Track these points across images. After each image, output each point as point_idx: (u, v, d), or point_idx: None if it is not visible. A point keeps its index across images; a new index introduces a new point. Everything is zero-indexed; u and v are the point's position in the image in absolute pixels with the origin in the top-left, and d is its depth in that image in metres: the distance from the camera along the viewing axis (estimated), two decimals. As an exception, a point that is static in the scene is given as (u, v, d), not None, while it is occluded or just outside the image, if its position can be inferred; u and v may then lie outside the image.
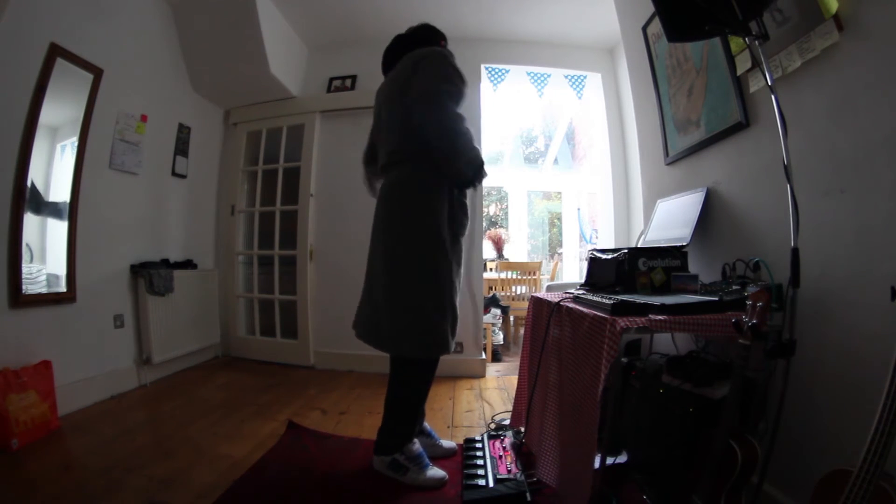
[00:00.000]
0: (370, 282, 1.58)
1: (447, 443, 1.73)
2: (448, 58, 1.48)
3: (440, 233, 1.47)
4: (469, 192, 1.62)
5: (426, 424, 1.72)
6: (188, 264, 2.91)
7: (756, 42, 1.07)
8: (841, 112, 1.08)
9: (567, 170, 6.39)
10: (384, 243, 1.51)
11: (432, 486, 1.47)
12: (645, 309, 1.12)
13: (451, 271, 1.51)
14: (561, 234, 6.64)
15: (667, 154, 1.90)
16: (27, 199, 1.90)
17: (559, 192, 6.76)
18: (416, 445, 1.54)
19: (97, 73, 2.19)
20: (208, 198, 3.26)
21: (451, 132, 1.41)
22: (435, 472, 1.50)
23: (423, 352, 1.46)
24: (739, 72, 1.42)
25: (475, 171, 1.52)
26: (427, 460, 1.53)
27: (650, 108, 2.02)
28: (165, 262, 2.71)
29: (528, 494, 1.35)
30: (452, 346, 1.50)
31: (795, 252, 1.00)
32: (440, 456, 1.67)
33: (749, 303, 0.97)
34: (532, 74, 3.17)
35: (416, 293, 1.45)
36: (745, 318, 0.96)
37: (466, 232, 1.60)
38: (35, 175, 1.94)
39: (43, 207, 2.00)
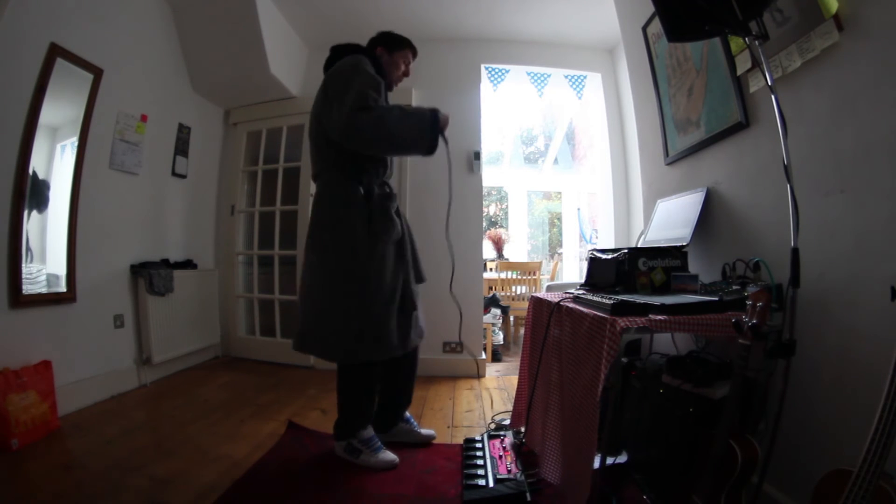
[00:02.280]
0: (302, 292, 1.64)
1: (426, 431, 1.82)
2: (354, 65, 1.49)
3: (354, 242, 1.51)
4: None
5: (407, 413, 1.83)
6: (188, 264, 2.90)
7: (756, 42, 1.07)
8: (841, 112, 1.08)
9: (567, 170, 6.39)
10: (308, 251, 1.60)
11: (383, 467, 1.56)
12: (645, 309, 1.12)
13: (375, 278, 1.52)
14: (561, 234, 6.64)
15: (667, 154, 1.90)
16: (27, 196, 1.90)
17: (559, 192, 6.76)
18: (369, 431, 1.63)
19: (97, 73, 2.19)
20: (208, 198, 3.26)
21: (349, 128, 1.41)
22: (386, 454, 1.60)
23: (340, 357, 1.56)
24: (739, 72, 1.42)
25: (400, 135, 1.43)
26: (379, 444, 1.62)
27: (650, 108, 2.02)
28: (165, 262, 2.71)
29: (528, 494, 1.35)
30: (376, 351, 1.54)
31: (795, 252, 1.00)
32: (418, 443, 1.77)
33: (749, 303, 0.97)
34: (532, 74, 3.17)
35: (335, 301, 1.53)
36: (745, 318, 0.96)
37: (394, 237, 1.59)
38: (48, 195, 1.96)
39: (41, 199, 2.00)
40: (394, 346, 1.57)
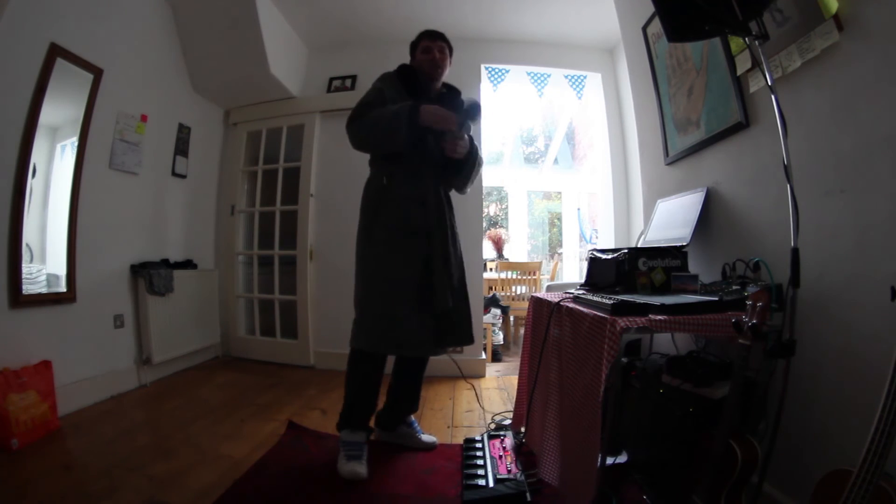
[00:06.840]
0: None
1: (427, 437, 1.79)
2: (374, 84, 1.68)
3: (372, 231, 1.61)
4: (466, 192, 1.89)
5: (412, 418, 1.82)
6: (188, 264, 2.90)
7: (756, 42, 1.07)
8: (841, 112, 1.08)
9: (567, 170, 6.39)
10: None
11: (345, 477, 1.48)
12: (645, 309, 1.12)
13: (374, 265, 1.58)
14: (561, 234, 6.64)
15: (667, 154, 1.90)
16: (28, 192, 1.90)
17: (559, 192, 6.76)
18: (357, 436, 1.59)
19: (97, 73, 2.19)
20: (208, 198, 3.26)
21: (351, 135, 1.61)
22: (353, 466, 1.50)
23: (352, 341, 1.60)
24: (739, 72, 1.42)
25: (373, 136, 1.57)
26: (355, 453, 1.54)
27: (650, 108, 2.02)
28: (165, 262, 2.71)
29: (528, 494, 1.35)
30: (368, 342, 1.55)
31: (795, 252, 1.00)
32: (420, 448, 1.75)
33: (749, 303, 0.97)
34: (532, 74, 3.17)
35: (357, 288, 1.63)
36: (745, 318, 0.96)
37: (405, 227, 1.58)
38: (35, 176, 1.94)
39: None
40: (393, 342, 1.53)
